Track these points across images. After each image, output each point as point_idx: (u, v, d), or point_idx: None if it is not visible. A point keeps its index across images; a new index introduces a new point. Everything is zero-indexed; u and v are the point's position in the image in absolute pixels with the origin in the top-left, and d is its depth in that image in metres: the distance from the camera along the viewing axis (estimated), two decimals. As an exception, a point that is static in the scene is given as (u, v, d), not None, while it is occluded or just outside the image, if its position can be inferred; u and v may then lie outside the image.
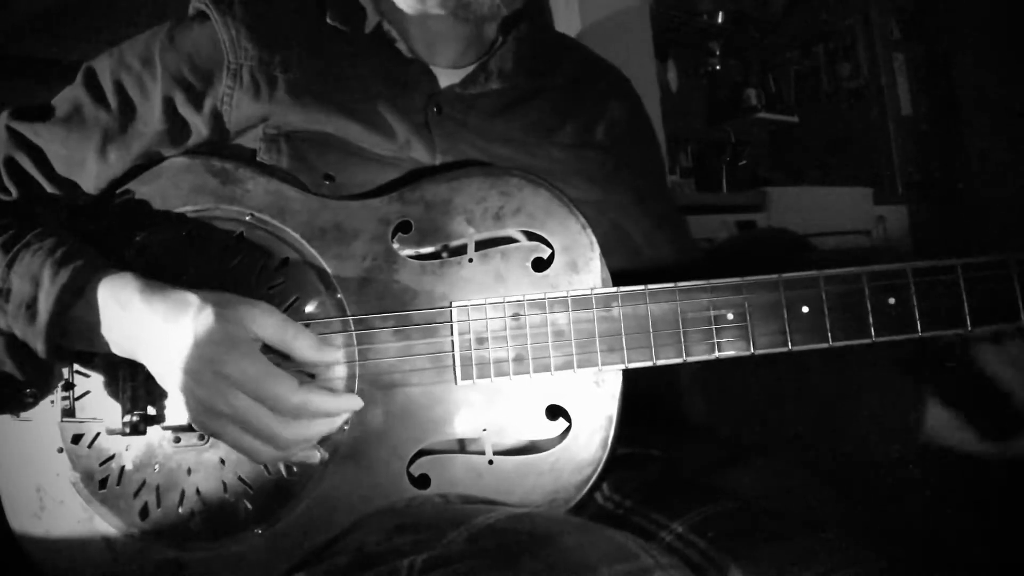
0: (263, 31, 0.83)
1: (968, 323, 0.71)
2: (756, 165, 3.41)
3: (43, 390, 0.77)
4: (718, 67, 3.38)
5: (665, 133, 2.48)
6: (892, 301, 0.71)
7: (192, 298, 0.69)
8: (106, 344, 0.71)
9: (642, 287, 0.74)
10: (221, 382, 0.66)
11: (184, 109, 0.81)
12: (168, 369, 0.68)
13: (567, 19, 2.24)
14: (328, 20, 0.85)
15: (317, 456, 0.74)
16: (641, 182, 0.99)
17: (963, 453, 0.78)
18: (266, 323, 0.69)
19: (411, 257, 0.77)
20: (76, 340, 0.72)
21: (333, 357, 0.73)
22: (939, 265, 0.72)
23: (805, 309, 0.72)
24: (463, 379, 0.74)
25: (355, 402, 0.72)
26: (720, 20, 3.24)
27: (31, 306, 0.70)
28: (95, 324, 0.70)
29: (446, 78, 0.87)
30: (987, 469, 0.80)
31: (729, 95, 3.35)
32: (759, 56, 3.52)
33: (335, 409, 0.71)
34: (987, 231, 3.03)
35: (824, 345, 0.72)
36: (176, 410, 0.76)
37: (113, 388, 0.78)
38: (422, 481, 0.75)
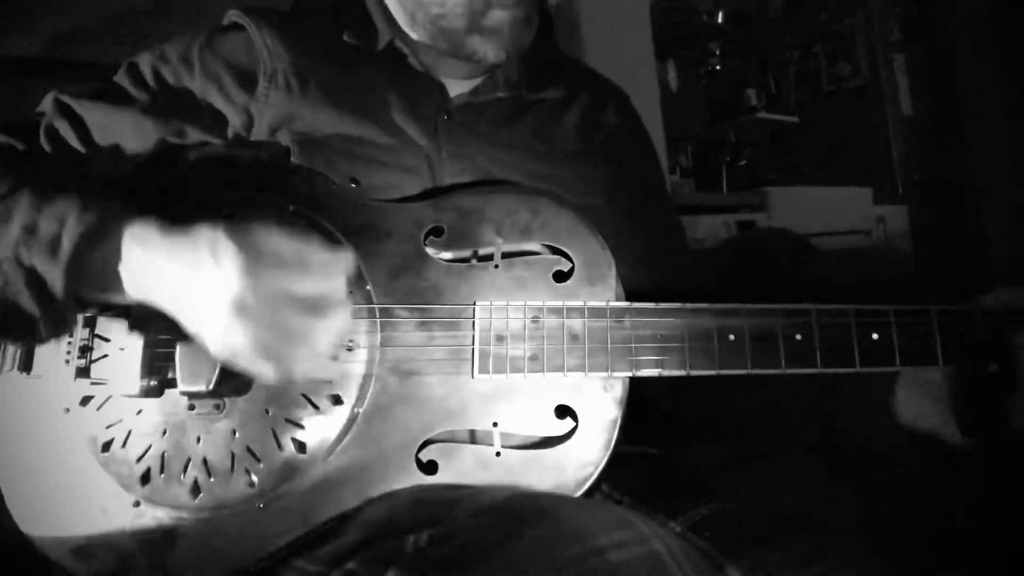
0: (293, 41, 0.89)
1: (940, 360, 0.79)
2: (756, 165, 3.41)
3: (59, 327, 0.76)
4: (718, 67, 3.38)
5: (665, 133, 2.48)
6: (876, 336, 0.79)
7: (205, 228, 0.70)
8: (121, 285, 0.72)
9: (653, 304, 0.79)
10: (250, 277, 0.66)
11: (220, 103, 0.86)
12: (186, 292, 0.69)
13: (567, 19, 2.24)
14: (345, 38, 0.91)
15: (337, 372, 0.76)
16: (640, 192, 1.03)
17: (934, 440, 0.83)
18: (276, 236, 0.69)
19: (441, 259, 0.81)
20: (94, 282, 0.73)
21: (345, 255, 0.72)
22: (917, 309, 0.80)
23: (798, 336, 0.79)
24: (480, 372, 0.77)
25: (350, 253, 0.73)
26: (720, 20, 3.24)
27: (54, 241, 0.71)
28: (114, 265, 0.71)
29: (455, 87, 0.93)
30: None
31: (729, 95, 3.35)
32: (759, 56, 3.52)
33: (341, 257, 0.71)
34: (987, 231, 3.04)
35: (813, 370, 0.78)
36: (197, 331, 0.72)
37: (131, 351, 0.77)
38: (430, 467, 0.77)
